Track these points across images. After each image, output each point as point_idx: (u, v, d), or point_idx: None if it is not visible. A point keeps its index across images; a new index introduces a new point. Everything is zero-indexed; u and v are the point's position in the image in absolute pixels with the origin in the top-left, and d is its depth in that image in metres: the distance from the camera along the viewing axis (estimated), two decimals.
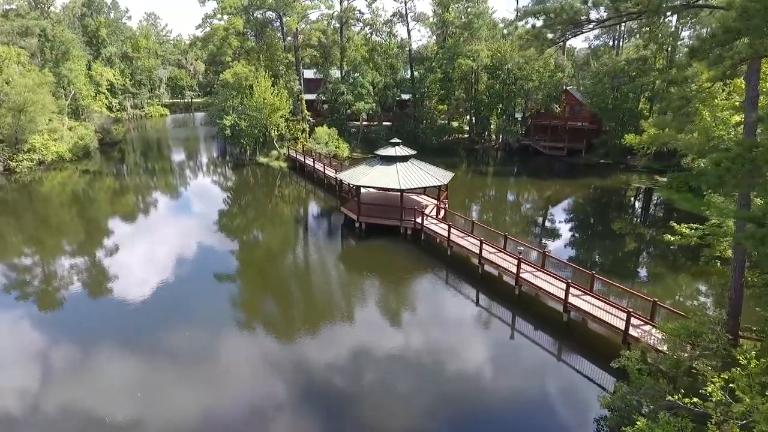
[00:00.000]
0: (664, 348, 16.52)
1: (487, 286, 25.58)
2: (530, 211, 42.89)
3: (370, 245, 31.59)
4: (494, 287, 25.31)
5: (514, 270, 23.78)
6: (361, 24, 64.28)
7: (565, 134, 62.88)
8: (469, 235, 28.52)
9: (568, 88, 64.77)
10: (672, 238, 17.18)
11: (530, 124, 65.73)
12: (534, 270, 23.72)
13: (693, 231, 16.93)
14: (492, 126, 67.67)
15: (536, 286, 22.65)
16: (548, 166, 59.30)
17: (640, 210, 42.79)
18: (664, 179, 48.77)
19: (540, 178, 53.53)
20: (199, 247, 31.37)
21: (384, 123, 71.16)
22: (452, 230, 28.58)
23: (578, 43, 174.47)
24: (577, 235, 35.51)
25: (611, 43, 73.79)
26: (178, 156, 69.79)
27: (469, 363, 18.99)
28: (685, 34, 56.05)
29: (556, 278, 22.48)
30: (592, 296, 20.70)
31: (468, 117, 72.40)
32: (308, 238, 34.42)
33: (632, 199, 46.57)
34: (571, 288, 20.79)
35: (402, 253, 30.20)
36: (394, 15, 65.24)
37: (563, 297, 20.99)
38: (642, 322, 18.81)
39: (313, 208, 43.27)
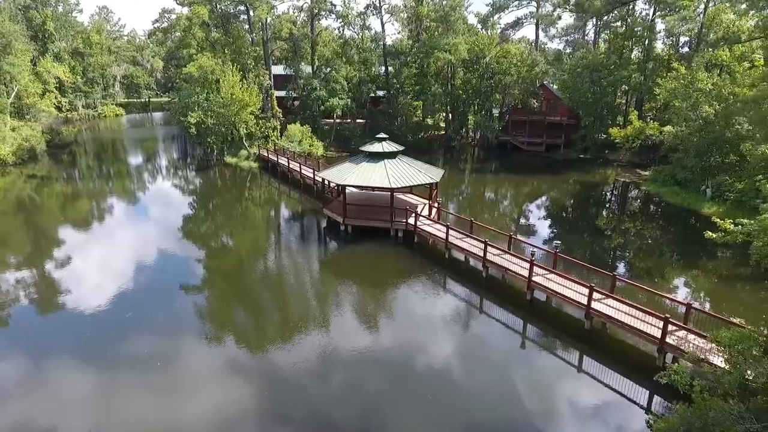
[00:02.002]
0: (716, 360, 14.73)
1: (492, 292, 23.39)
2: (520, 210, 41.14)
3: (359, 250, 28.93)
4: (501, 292, 23.15)
5: (525, 273, 21.74)
6: (333, 16, 61.33)
7: (544, 130, 61.99)
8: (469, 236, 26.31)
9: (545, 82, 63.94)
10: (714, 236, 15.32)
11: (508, 120, 64.52)
12: (546, 273, 21.71)
13: (739, 227, 15.13)
14: (470, 122, 66.09)
15: (552, 290, 20.61)
16: (528, 162, 58.16)
17: (633, 205, 41.71)
18: (647, 173, 48.34)
19: (522, 175, 52.16)
20: (163, 257, 27.90)
21: (358, 120, 68.51)
22: (451, 232, 26.28)
23: (548, 38, 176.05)
24: (576, 233, 33.69)
25: (586, 38, 73.82)
26: (137, 158, 64.87)
27: (483, 382, 16.66)
28: (660, 26, 56.06)
29: (573, 281, 20.49)
30: (617, 300, 18.79)
31: (444, 113, 70.60)
32: (288, 243, 31.28)
33: (621, 194, 45.63)
34: (593, 292, 18.84)
35: (394, 258, 27.71)
36: (367, 7, 62.67)
37: (585, 302, 19.03)
38: (675, 327, 17.03)
39: (291, 210, 40.09)
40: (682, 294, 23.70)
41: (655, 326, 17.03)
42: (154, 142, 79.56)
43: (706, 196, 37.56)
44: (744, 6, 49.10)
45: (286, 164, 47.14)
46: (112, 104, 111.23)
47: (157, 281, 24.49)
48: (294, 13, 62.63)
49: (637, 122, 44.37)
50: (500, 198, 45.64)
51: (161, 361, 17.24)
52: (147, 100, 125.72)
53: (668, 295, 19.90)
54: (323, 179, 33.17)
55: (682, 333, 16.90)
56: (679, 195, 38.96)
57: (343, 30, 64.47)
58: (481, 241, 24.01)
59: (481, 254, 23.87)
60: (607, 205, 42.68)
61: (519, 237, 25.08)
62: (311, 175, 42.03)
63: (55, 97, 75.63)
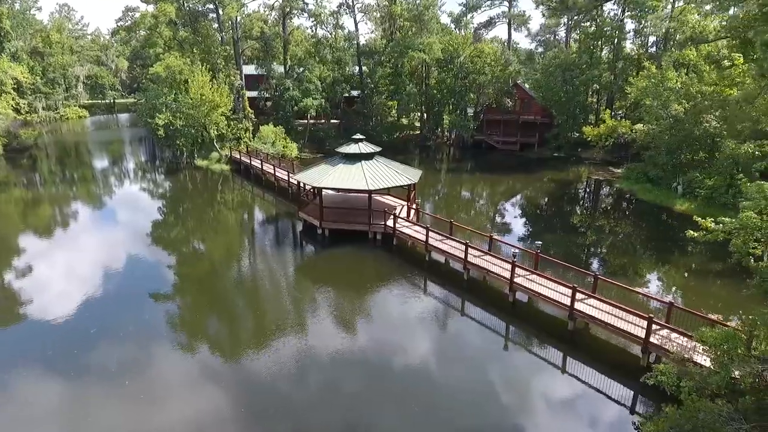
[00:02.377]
0: (701, 359, 14.67)
1: (474, 294, 23.06)
2: (497, 210, 41.09)
3: (336, 253, 28.21)
4: (483, 294, 22.84)
5: (507, 275, 21.47)
6: (305, 15, 60.29)
7: (518, 129, 62.44)
8: (449, 238, 25.94)
9: (518, 82, 64.43)
10: (695, 234, 15.32)
11: (483, 119, 64.72)
12: (528, 273, 21.50)
13: (720, 226, 15.14)
14: (445, 122, 66.04)
15: (534, 291, 20.39)
16: (503, 161, 58.45)
17: (608, 203, 42.17)
18: (619, 171, 49.13)
19: (498, 174, 52.33)
20: (131, 264, 26.59)
21: (332, 121, 67.65)
22: (430, 233, 25.84)
23: (521, 38, 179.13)
24: (553, 232, 33.72)
25: (557, 38, 74.77)
26: (102, 162, 62.38)
27: (466, 386, 16.24)
28: (629, 26, 57.15)
29: (556, 282, 20.32)
30: (601, 300, 18.67)
31: (419, 113, 70.39)
32: (262, 248, 30.20)
33: (596, 192, 46.14)
34: (576, 293, 18.66)
35: (373, 261, 27.14)
36: (340, 6, 61.87)
37: (568, 303, 18.85)
38: (658, 327, 16.99)
39: (265, 214, 38.97)
40: (661, 291, 23.91)
41: (638, 326, 16.95)
42: (121, 144, 76.78)
43: (677, 193, 38.28)
44: (708, 7, 50.51)
45: (260, 166, 45.97)
46: (75, 106, 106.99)
47: (124, 290, 23.21)
48: (265, 11, 61.35)
49: (610, 121, 44.99)
50: (477, 198, 45.60)
51: (130, 379, 16.20)
52: (112, 101, 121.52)
53: (650, 294, 19.95)
54: (299, 182, 32.28)
55: (665, 332, 16.88)
56: (652, 192, 39.61)
57: (315, 29, 63.55)
58: (462, 243, 23.66)
59: (462, 256, 23.51)
60: (583, 203, 43.14)
61: (499, 237, 24.83)
62: (286, 178, 41.03)
63: (13, 99, 72.04)
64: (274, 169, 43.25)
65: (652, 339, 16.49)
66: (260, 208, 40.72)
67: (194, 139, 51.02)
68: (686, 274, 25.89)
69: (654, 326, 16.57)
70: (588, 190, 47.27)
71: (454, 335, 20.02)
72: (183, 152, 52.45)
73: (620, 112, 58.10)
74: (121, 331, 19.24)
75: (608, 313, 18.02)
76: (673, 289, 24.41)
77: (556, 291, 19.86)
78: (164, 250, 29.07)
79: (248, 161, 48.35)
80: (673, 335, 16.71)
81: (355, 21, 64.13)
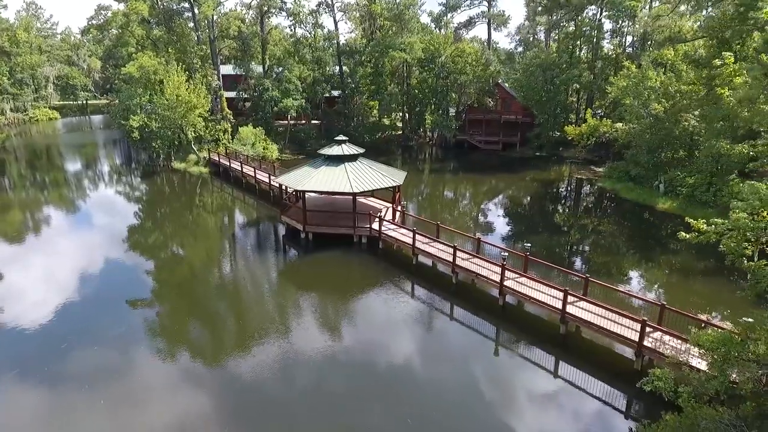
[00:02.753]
0: (696, 363, 14.47)
1: (463, 298, 22.62)
2: (483, 211, 40.68)
3: (321, 258, 27.46)
4: (472, 298, 22.43)
5: (496, 278, 21.11)
6: (284, 14, 59.19)
7: (500, 128, 62.49)
8: (436, 241, 25.47)
9: (499, 81, 64.50)
10: (687, 236, 15.06)
11: (465, 119, 64.60)
12: (518, 276, 21.17)
13: (712, 227, 14.95)
14: (427, 121, 65.71)
15: (524, 294, 20.04)
16: (486, 161, 58.41)
17: (591, 202, 42.16)
18: (601, 170, 49.49)
19: (481, 174, 52.20)
20: (107, 270, 25.56)
21: (313, 121, 66.67)
22: (417, 236, 25.34)
23: (500, 37, 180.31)
24: (539, 233, 33.41)
25: (535, 37, 75.20)
26: (75, 165, 60.25)
27: (457, 393, 15.80)
28: (607, 26, 57.72)
29: (546, 285, 20.00)
30: (592, 303, 18.41)
31: (401, 113, 69.93)
32: (244, 254, 29.22)
33: (579, 191, 46.16)
34: (568, 296, 18.37)
35: (358, 265, 26.52)
36: (319, 5, 60.93)
37: (559, 306, 18.55)
38: (651, 329, 16.78)
39: (246, 218, 37.93)
40: (649, 292, 23.84)
41: (631, 329, 16.72)
42: (94, 147, 74.20)
43: (659, 192, 38.61)
44: (683, 7, 51.32)
45: (239, 169, 44.85)
46: (45, 107, 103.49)
47: (98, 299, 22.07)
48: (242, 10, 59.95)
49: (592, 120, 45.23)
50: (462, 198, 45.29)
51: (105, 398, 15.25)
52: (84, 102, 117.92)
53: (640, 296, 19.75)
54: (281, 185, 31.40)
55: (658, 335, 16.68)
56: (634, 191, 39.89)
57: (294, 28, 62.48)
58: (450, 246, 23.22)
59: (450, 259, 23.07)
60: (567, 203, 43.19)
61: (486, 240, 24.46)
62: (267, 180, 40.05)
63: None
64: (255, 171, 42.20)
65: (645, 342, 16.27)
66: (241, 211, 39.68)
67: (171, 141, 49.52)
68: (673, 274, 25.92)
69: (647, 329, 16.36)
70: (571, 189, 47.45)
71: (444, 341, 19.53)
72: (159, 155, 50.89)
73: (599, 111, 58.67)
74: (95, 344, 18.22)
75: (601, 316, 17.76)
76: (662, 289, 24.36)
77: (548, 294, 19.56)
78: (141, 257, 27.91)
79: (227, 163, 47.15)
80: (666, 338, 16.52)
81: (334, 20, 63.34)
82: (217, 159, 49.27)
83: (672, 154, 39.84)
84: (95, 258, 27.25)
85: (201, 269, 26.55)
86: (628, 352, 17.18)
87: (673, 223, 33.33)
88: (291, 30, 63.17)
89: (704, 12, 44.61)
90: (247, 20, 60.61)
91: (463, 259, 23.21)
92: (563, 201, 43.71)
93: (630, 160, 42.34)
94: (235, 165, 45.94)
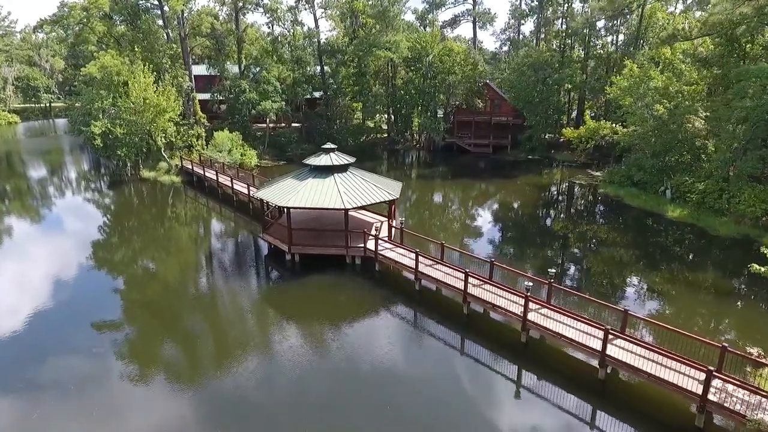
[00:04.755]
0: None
1: (477, 332, 19.59)
2: (483, 224, 36.34)
3: (309, 283, 24.01)
4: (488, 333, 19.42)
5: (516, 310, 18.21)
6: (261, 10, 55.37)
7: (490, 130, 60.02)
8: (439, 263, 22.46)
9: (487, 81, 62.04)
10: (761, 269, 12.41)
11: (453, 121, 61.90)
12: (539, 307, 18.30)
13: None
14: (415, 123, 62.83)
15: (553, 331, 17.15)
16: (477, 165, 55.84)
17: (598, 211, 38.91)
18: (598, 174, 47.32)
19: (474, 179, 49.48)
20: (67, 291, 21.94)
21: (293, 124, 63.12)
22: (420, 258, 22.28)
23: (484, 37, 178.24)
24: (551, 249, 30.20)
25: (520, 36, 73.08)
26: (37, 172, 55.42)
27: None
28: (600, 24, 55.75)
29: (577, 318, 17.12)
30: (636, 343, 15.61)
31: (386, 115, 66.88)
32: (220, 280, 25.43)
33: (582, 198, 43.21)
34: (608, 334, 15.54)
35: (353, 291, 23.24)
36: (298, 1, 57.35)
37: (598, 347, 15.72)
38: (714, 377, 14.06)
39: (223, 235, 33.94)
40: (694, 323, 21.16)
41: (691, 377, 13.96)
42: (59, 153, 68.95)
43: (666, 198, 36.46)
44: (681, 5, 49.55)
45: (215, 178, 41.08)
46: (5, 110, 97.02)
47: (65, 321, 18.35)
48: (215, 6, 55.91)
49: (591, 122, 42.95)
50: (457, 208, 41.66)
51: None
52: (48, 105, 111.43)
53: (699, 337, 16.48)
54: (261, 200, 27.86)
55: (718, 382, 13.94)
56: (639, 197, 37.64)
57: (272, 26, 58.76)
58: (461, 271, 20.24)
59: (461, 286, 20.09)
60: (573, 213, 39.28)
61: (501, 264, 21.45)
62: (245, 191, 36.46)
63: None
64: (232, 182, 38.48)
65: (711, 396, 13.53)
66: (217, 227, 35.91)
67: (138, 149, 45.32)
68: (717, 301, 22.39)
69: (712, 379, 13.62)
70: (573, 196, 44.33)
71: (457, 386, 16.43)
72: (126, 163, 46.65)
73: (590, 112, 56.68)
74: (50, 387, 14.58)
75: (650, 360, 14.98)
76: (711, 322, 21.21)
77: (579, 330, 16.70)
78: (101, 280, 24.12)
79: (201, 172, 43.28)
80: (730, 387, 13.82)
81: (315, 17, 59.89)
82: (190, 167, 45.33)
83: (678, 157, 37.74)
84: (57, 278, 23.48)
85: (170, 297, 22.89)
86: (689, 405, 14.39)
87: (691, 233, 31.09)
88: (269, 28, 59.35)
89: (707, 8, 42.64)
90: (221, 17, 56.58)
91: (475, 285, 20.24)
92: (568, 210, 40.34)
93: (633, 165, 40.15)
94: (210, 174, 42.15)
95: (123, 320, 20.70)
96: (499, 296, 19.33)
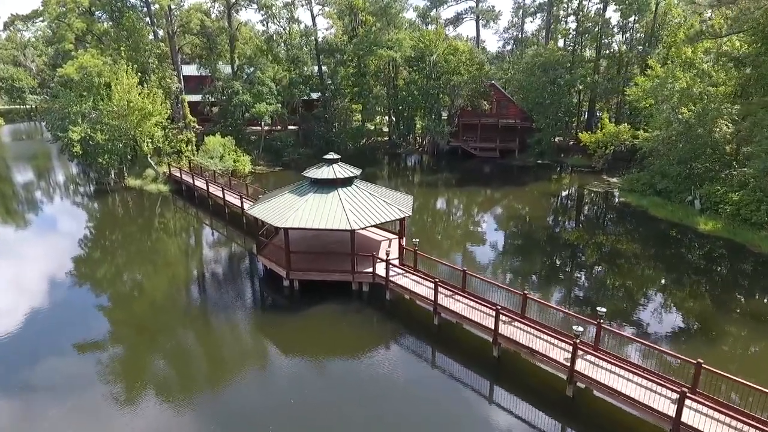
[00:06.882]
0: None
1: (509, 379, 16.62)
2: (498, 238, 32.44)
3: (310, 315, 20.91)
4: (524, 382, 16.42)
5: (560, 357, 15.28)
6: (255, 7, 52.21)
7: (497, 133, 57.16)
8: (460, 294, 19.49)
9: (493, 82, 59.16)
10: None
11: (458, 124, 58.93)
12: (584, 353, 15.35)
13: None
14: (418, 126, 59.85)
15: (606, 386, 14.20)
16: (484, 170, 52.96)
17: (623, 223, 35.10)
18: (614, 180, 44.56)
19: (484, 186, 46.57)
20: (45, 315, 18.76)
21: (290, 127, 60.00)
22: (440, 288, 19.29)
23: (487, 35, 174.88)
24: (586, 272, 26.43)
25: (521, 35, 70.36)
26: (19, 177, 52.33)
27: None
28: (613, 21, 52.97)
29: (643, 376, 14.03)
30: (715, 407, 12.69)
31: (387, 117, 63.86)
32: (209, 307, 22.38)
33: (604, 208, 39.73)
34: (685, 398, 12.62)
35: (360, 325, 20.21)
36: None
37: (669, 412, 12.82)
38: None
39: (212, 253, 30.50)
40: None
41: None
42: (45, 159, 64.95)
43: (695, 209, 33.68)
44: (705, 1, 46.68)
45: (205, 188, 37.92)
46: None
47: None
48: (206, 2, 52.70)
49: (610, 126, 40.10)
50: (469, 221, 37.34)
51: None
52: (33, 106, 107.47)
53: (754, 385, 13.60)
54: (256, 218, 24.69)
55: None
56: (665, 208, 34.83)
57: (267, 23, 55.60)
58: (491, 308, 17.28)
59: (489, 324, 17.15)
60: (597, 227, 34.73)
61: (537, 299, 18.46)
62: (238, 203, 33.33)
63: None
64: (223, 192, 35.33)
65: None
66: (205, 245, 32.41)
67: (122, 155, 42.06)
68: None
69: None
70: (594, 206, 40.68)
71: None
72: (110, 171, 43.36)
73: (600, 113, 53.93)
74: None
75: (731, 427, 12.09)
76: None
77: (647, 388, 13.75)
78: (81, 306, 20.97)
79: (191, 180, 40.08)
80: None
81: (312, 14, 56.77)
82: (179, 175, 42.10)
83: (709, 165, 34.95)
84: (33, 299, 20.22)
85: (151, 329, 19.76)
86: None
87: (730, 250, 28.19)
88: (263, 25, 56.26)
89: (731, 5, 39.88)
90: (213, 15, 53.40)
91: (504, 322, 17.28)
92: (593, 224, 35.50)
93: (656, 171, 37.33)
94: (200, 183, 39.00)
95: (99, 365, 17.53)
96: (538, 338, 16.37)
